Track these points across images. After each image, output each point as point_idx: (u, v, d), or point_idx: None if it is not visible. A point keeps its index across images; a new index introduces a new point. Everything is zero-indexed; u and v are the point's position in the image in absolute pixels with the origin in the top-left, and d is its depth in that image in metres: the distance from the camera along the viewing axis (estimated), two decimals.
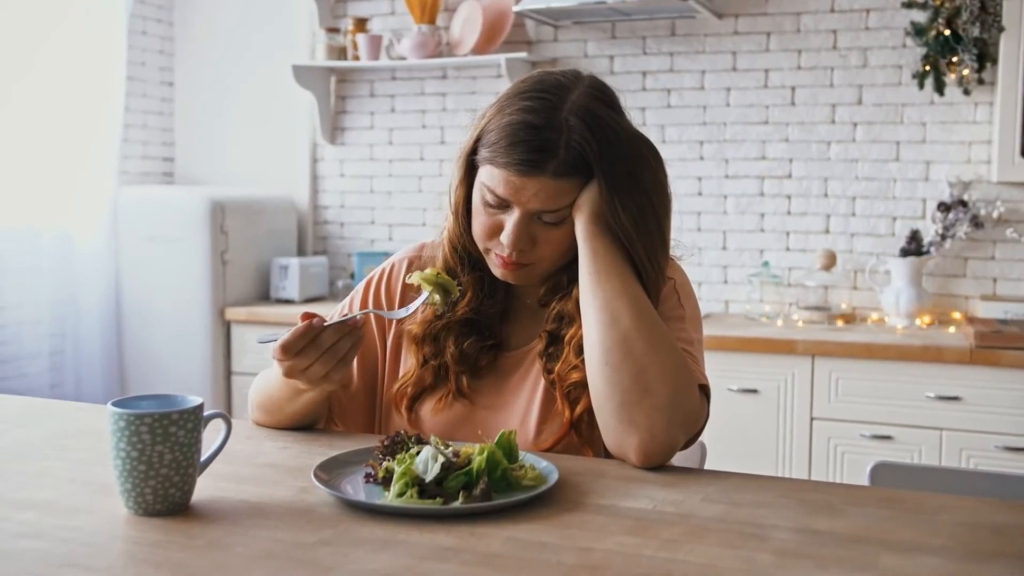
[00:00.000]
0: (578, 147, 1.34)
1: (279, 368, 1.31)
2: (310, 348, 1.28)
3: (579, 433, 1.40)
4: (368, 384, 1.56)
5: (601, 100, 1.39)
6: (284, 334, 1.28)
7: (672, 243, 1.48)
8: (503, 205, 1.38)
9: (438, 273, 1.38)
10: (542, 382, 1.45)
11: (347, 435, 1.50)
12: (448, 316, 1.48)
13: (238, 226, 3.73)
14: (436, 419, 1.47)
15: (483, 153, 1.39)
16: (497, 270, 1.44)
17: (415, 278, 1.38)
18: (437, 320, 1.49)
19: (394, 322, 1.55)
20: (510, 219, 1.38)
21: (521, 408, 1.46)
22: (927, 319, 3.24)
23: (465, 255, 1.49)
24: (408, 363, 1.52)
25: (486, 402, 1.48)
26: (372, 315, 1.56)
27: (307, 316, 1.31)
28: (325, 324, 1.29)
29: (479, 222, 1.42)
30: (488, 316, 1.50)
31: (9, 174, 3.52)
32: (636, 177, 1.37)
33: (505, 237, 1.38)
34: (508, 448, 1.21)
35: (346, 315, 1.34)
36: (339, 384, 1.36)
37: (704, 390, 1.37)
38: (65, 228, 3.70)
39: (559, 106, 1.36)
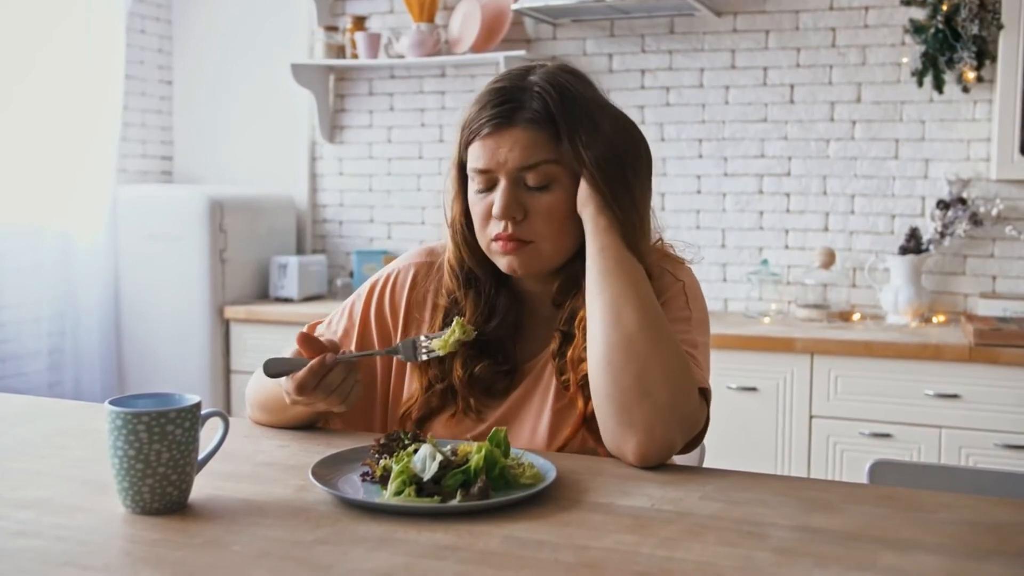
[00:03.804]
0: (541, 96, 1.37)
1: (286, 398, 1.35)
2: (319, 389, 1.32)
3: (591, 429, 1.39)
4: (367, 382, 1.55)
5: (568, 72, 1.44)
6: (295, 369, 1.31)
7: (680, 245, 1.52)
8: (491, 183, 1.40)
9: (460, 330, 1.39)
10: (554, 383, 1.45)
11: (345, 434, 1.50)
12: None
13: (237, 224, 3.73)
14: (444, 434, 1.46)
15: (464, 139, 1.42)
16: (502, 260, 1.42)
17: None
18: None
19: (399, 331, 1.54)
20: (498, 190, 1.39)
21: (532, 415, 1.45)
22: (926, 317, 3.24)
23: (464, 277, 1.48)
24: (412, 387, 1.51)
25: (498, 417, 1.46)
26: (372, 318, 1.55)
27: (305, 337, 1.32)
28: (336, 358, 1.32)
29: (476, 213, 1.43)
30: (498, 338, 1.49)
31: (9, 173, 3.52)
32: (596, 122, 1.38)
33: (496, 208, 1.39)
34: (500, 445, 1.21)
35: (347, 352, 1.37)
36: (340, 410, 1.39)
37: (705, 393, 1.36)
38: (64, 227, 3.70)
39: (526, 76, 1.42)
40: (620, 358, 1.30)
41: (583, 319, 1.40)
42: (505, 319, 1.49)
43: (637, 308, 1.32)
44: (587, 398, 1.39)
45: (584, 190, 1.38)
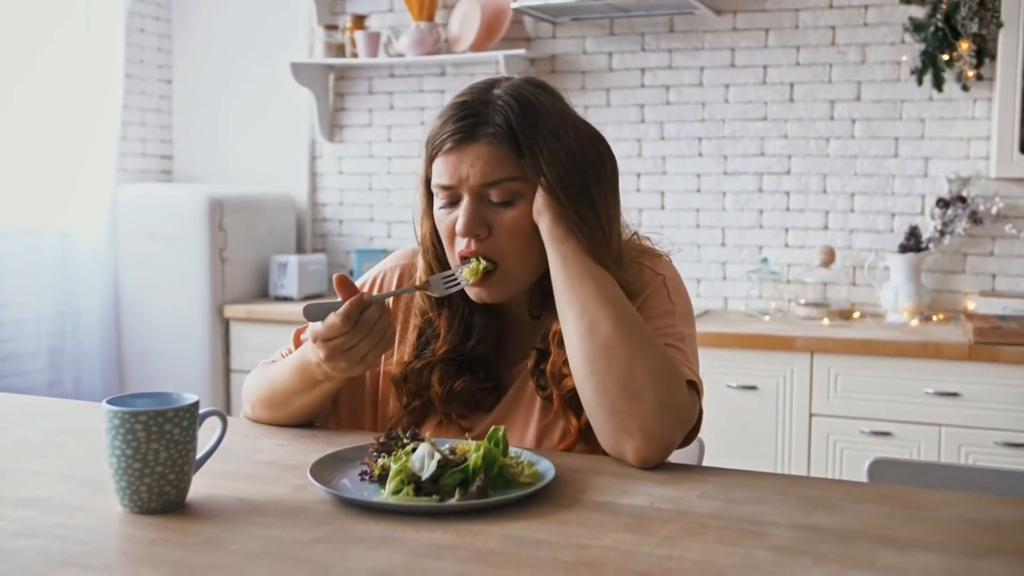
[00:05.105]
0: (503, 112, 1.35)
1: (320, 350, 1.31)
2: (361, 324, 1.29)
3: (588, 441, 1.39)
4: (357, 383, 1.55)
5: (534, 84, 1.42)
6: (334, 310, 1.30)
7: (655, 238, 1.51)
8: (454, 199, 1.39)
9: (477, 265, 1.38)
10: (538, 400, 1.44)
11: (344, 432, 1.50)
12: (428, 355, 1.47)
13: (237, 224, 3.73)
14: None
15: (428, 154, 1.41)
16: (471, 291, 1.41)
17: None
18: (416, 360, 1.47)
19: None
20: (461, 207, 1.38)
21: (518, 429, 1.45)
22: (926, 315, 3.24)
23: (437, 296, 1.46)
24: (391, 406, 1.50)
25: (482, 428, 1.46)
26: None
27: (342, 279, 1.32)
28: (372, 297, 1.31)
29: (442, 230, 1.41)
30: (479, 355, 1.47)
31: (9, 173, 3.51)
32: (559, 135, 1.37)
33: (459, 226, 1.37)
34: (498, 444, 1.21)
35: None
36: (370, 367, 1.37)
37: (695, 386, 1.36)
38: (64, 227, 3.70)
39: (490, 90, 1.40)
40: (602, 367, 1.29)
41: (557, 332, 1.39)
42: (484, 337, 1.48)
43: (610, 313, 1.31)
44: (577, 413, 1.39)
45: (539, 200, 1.36)
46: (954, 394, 2.85)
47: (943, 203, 3.25)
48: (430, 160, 1.41)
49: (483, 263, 1.37)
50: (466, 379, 1.46)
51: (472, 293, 1.41)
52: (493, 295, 1.41)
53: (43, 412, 1.66)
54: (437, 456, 1.15)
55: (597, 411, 1.30)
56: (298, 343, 1.55)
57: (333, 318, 1.30)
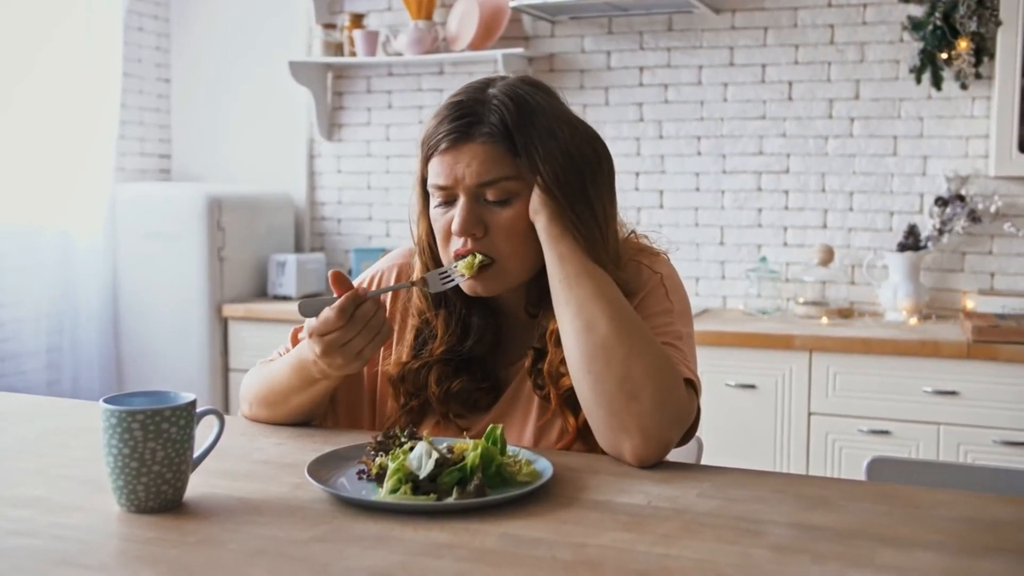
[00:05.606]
0: (499, 111, 1.35)
1: (316, 346, 1.32)
2: (356, 319, 1.30)
3: (586, 440, 1.39)
4: (355, 381, 1.55)
5: (529, 84, 1.42)
6: (328, 305, 1.30)
7: (653, 236, 1.51)
8: (451, 198, 1.38)
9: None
10: (536, 400, 1.44)
11: (341, 431, 1.50)
12: (425, 355, 1.47)
13: (235, 223, 3.73)
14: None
15: (424, 154, 1.40)
16: (465, 284, 1.40)
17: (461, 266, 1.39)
18: (414, 360, 1.47)
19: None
20: (457, 206, 1.38)
21: (516, 428, 1.45)
22: (925, 314, 3.24)
23: (434, 296, 1.46)
24: (389, 405, 1.50)
25: (480, 427, 1.45)
26: None
27: (337, 275, 1.32)
28: (368, 292, 1.32)
29: (438, 229, 1.41)
30: (476, 355, 1.47)
31: (8, 173, 3.51)
32: (555, 134, 1.36)
33: (455, 225, 1.37)
34: (496, 443, 1.21)
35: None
36: (366, 364, 1.37)
37: (692, 384, 1.36)
38: (63, 226, 3.70)
39: (485, 89, 1.40)
40: (600, 367, 1.29)
41: (554, 331, 1.39)
42: (482, 337, 1.48)
43: (607, 312, 1.31)
44: (574, 412, 1.38)
45: (536, 199, 1.36)
46: (953, 393, 2.85)
47: (942, 202, 3.25)
48: (426, 160, 1.41)
49: (479, 257, 1.37)
50: (463, 379, 1.45)
51: (467, 287, 1.41)
52: (488, 288, 1.41)
53: (41, 411, 1.66)
54: (435, 455, 1.15)
55: (595, 410, 1.30)
56: (296, 342, 1.55)
57: (328, 312, 1.30)
